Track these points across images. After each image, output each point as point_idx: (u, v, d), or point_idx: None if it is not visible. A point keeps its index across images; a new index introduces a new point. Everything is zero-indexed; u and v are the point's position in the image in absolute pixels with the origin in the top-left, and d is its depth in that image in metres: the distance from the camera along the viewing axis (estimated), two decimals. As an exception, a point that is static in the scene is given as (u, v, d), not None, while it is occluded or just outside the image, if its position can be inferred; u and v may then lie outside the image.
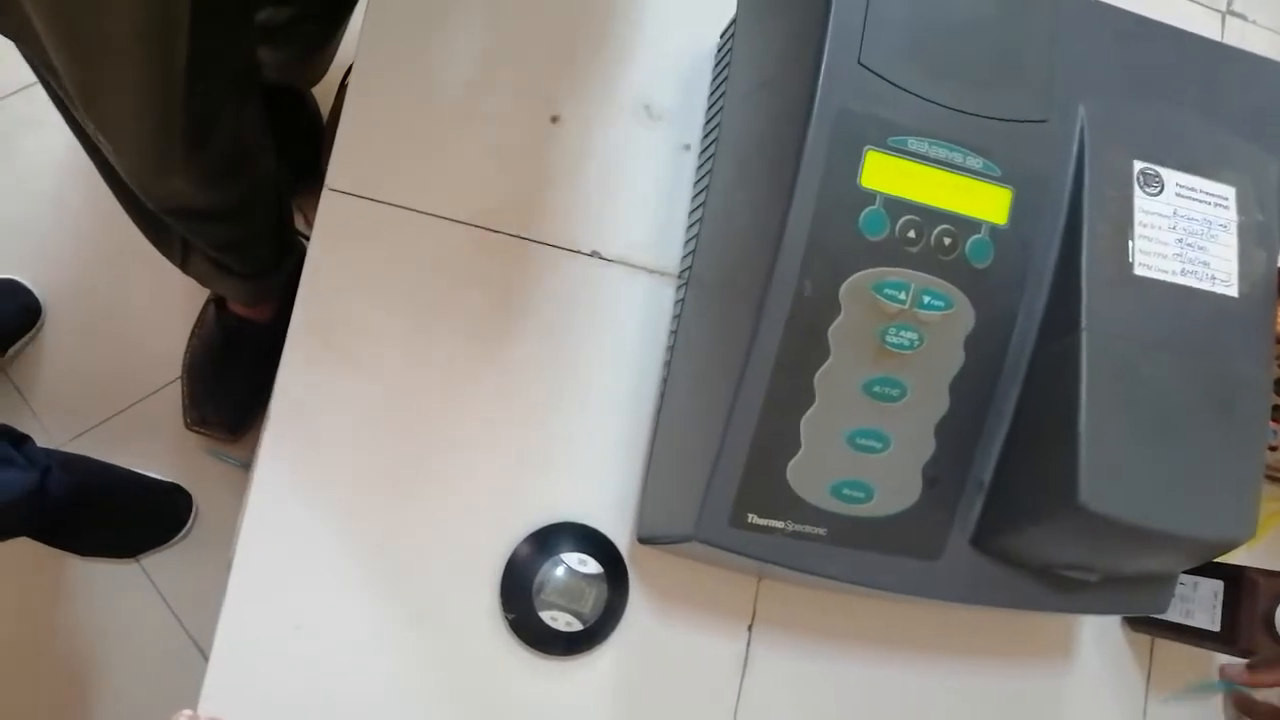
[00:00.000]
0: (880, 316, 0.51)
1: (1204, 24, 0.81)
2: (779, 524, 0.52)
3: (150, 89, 0.62)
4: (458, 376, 0.63)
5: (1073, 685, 0.72)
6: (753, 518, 0.52)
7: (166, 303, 1.27)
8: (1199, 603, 0.67)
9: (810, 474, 0.52)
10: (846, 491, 0.53)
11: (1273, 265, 0.55)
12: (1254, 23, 0.82)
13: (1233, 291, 0.53)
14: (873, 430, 0.53)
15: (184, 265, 1.01)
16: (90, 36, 0.57)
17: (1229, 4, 0.82)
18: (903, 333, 0.51)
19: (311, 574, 0.60)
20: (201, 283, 1.16)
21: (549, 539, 0.62)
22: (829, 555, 0.53)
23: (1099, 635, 0.73)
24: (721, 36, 0.67)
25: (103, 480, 1.22)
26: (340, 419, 0.61)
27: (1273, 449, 0.69)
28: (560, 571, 0.61)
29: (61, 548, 1.20)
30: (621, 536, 0.64)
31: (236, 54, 0.73)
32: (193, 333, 1.26)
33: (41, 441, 1.16)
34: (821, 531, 0.53)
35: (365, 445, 0.61)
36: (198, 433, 1.25)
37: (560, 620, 0.61)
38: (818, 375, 0.51)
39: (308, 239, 0.63)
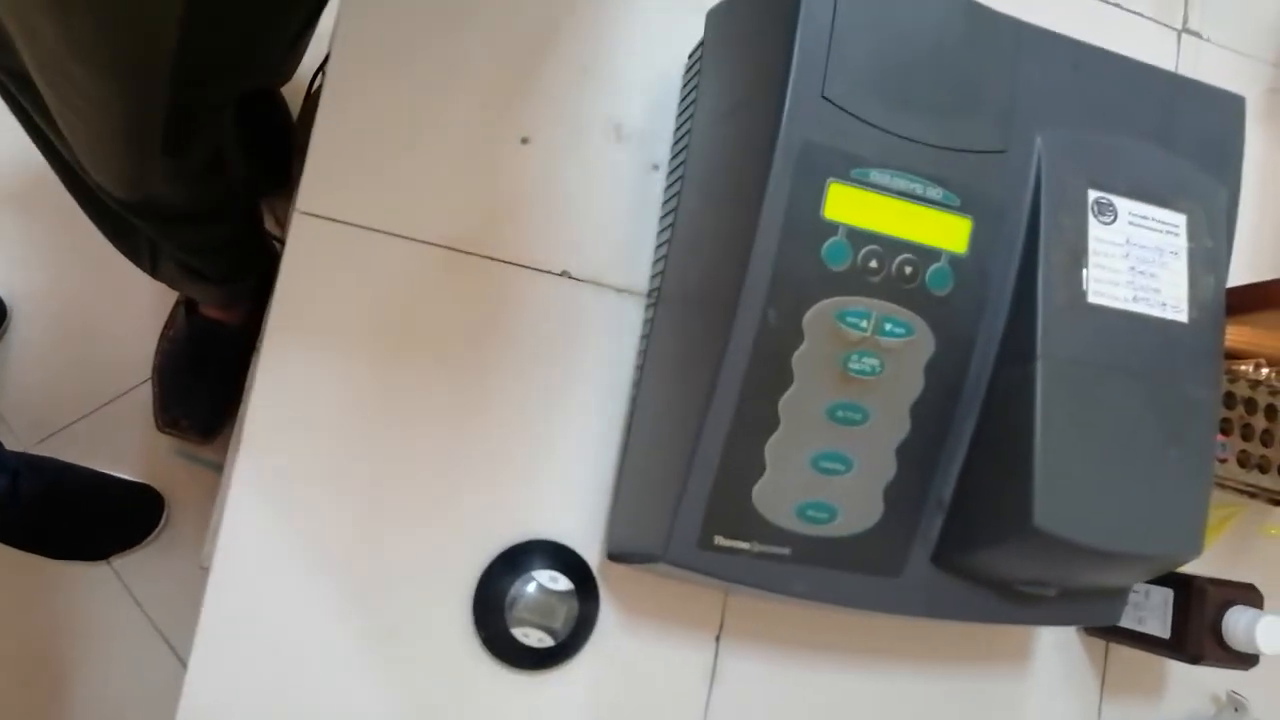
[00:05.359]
0: (843, 344, 0.52)
1: (1159, 41, 0.82)
2: (745, 545, 0.54)
3: (132, 113, 0.62)
4: (429, 396, 0.64)
5: (1031, 688, 0.74)
6: (719, 539, 0.53)
7: (135, 304, 1.26)
8: (1150, 610, 0.69)
9: (775, 496, 0.53)
10: (811, 513, 0.54)
11: (1221, 290, 0.56)
12: (1208, 40, 0.84)
13: (1182, 317, 0.55)
14: (836, 453, 0.54)
15: (153, 271, 1.00)
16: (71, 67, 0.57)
17: (1184, 22, 0.83)
18: (865, 359, 0.53)
19: (285, 594, 0.60)
20: (172, 287, 1.15)
21: (520, 556, 0.63)
22: (793, 574, 0.55)
23: (1056, 641, 0.75)
24: (690, 57, 0.68)
25: (72, 482, 1.21)
26: (313, 442, 0.62)
27: (1221, 461, 0.71)
28: (532, 588, 0.62)
29: (30, 550, 1.19)
30: (592, 553, 0.65)
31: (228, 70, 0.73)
32: (163, 334, 1.26)
33: (9, 444, 1.16)
34: (786, 551, 0.54)
35: (338, 467, 0.62)
36: (169, 434, 1.24)
37: (532, 636, 0.62)
38: (782, 401, 0.52)
39: (278, 240, 0.63)
